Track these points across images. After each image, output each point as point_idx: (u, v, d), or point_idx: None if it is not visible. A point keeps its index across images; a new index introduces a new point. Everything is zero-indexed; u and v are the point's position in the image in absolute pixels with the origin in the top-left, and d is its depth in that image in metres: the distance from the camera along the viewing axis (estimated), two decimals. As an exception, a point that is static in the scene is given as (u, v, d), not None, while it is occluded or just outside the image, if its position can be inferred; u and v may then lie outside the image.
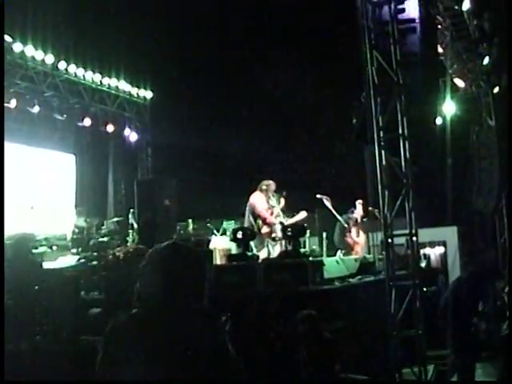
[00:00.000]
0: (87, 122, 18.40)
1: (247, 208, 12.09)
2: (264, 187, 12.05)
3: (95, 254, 12.88)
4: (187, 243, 10.61)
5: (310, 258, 10.20)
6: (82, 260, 12.09)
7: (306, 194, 14.49)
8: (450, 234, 19.51)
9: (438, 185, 19.76)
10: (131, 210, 14.55)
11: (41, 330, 9.67)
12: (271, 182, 12.15)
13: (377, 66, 8.71)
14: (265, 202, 12.06)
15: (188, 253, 3.10)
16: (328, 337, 7.64)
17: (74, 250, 14.17)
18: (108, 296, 10.58)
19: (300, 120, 19.16)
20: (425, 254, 18.28)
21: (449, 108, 18.96)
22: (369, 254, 14.11)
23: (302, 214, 12.46)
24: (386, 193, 8.58)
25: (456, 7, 15.82)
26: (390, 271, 8.64)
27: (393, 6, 8.97)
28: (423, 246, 19.17)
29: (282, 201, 12.50)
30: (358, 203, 14.43)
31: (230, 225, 13.71)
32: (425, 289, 13.83)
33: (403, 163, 8.51)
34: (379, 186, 8.55)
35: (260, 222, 11.90)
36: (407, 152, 8.51)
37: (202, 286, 3.01)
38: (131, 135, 20.21)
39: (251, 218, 11.92)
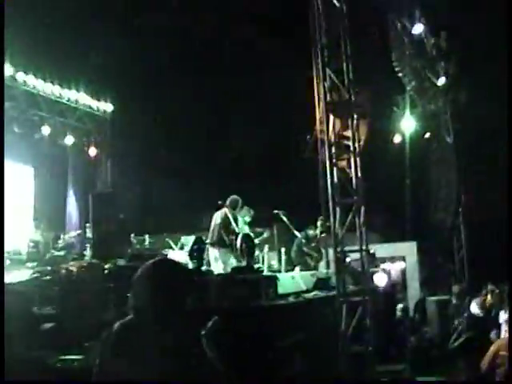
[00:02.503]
0: (46, 134, 18.21)
1: (218, 223, 12.03)
2: (233, 203, 12.06)
3: (50, 268, 12.71)
4: (141, 257, 10.62)
5: (264, 273, 10.22)
6: (36, 274, 11.93)
7: (264, 209, 14.51)
8: (410, 249, 19.73)
9: (398, 201, 20.00)
10: (87, 224, 14.42)
11: (-9, 348, 9.50)
12: (239, 198, 12.17)
13: (330, 83, 8.77)
14: (231, 217, 12.05)
15: (174, 268, 3.40)
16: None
17: (29, 265, 13.96)
18: (61, 310, 10.49)
19: (257, 136, 19.21)
20: (384, 269, 18.42)
21: (408, 124, 19.20)
22: (327, 269, 14.15)
23: (265, 234, 12.62)
24: (338, 209, 8.63)
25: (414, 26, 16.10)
26: (340, 287, 8.68)
27: (346, 22, 9.08)
28: (383, 261, 19.41)
29: (247, 217, 12.61)
30: (320, 219, 14.47)
31: (187, 240, 13.61)
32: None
33: (354, 179, 8.57)
34: (330, 202, 8.60)
35: (233, 236, 11.83)
36: (358, 168, 8.57)
37: (184, 297, 3.30)
38: (91, 149, 20.03)
39: (223, 232, 11.86)
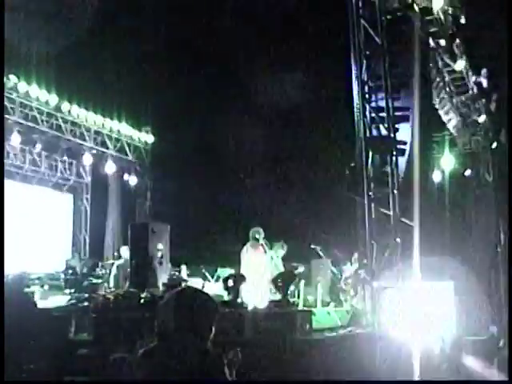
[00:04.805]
0: (87, 163, 18.57)
1: (247, 256, 12.03)
2: (257, 236, 12.04)
3: (87, 295, 12.82)
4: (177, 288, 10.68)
5: (299, 308, 10.18)
6: (73, 301, 12.05)
7: (301, 243, 14.49)
8: (447, 288, 19.48)
9: (435, 239, 19.79)
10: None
11: (27, 369, 9.60)
12: (260, 229, 12.15)
13: (369, 119, 8.81)
14: (263, 250, 12.06)
15: (198, 296, 3.40)
16: None
17: (67, 291, 14.11)
18: (96, 338, 10.56)
19: (295, 171, 19.22)
20: (420, 308, 18.21)
21: (447, 162, 19.06)
22: (363, 305, 14.02)
23: (300, 269, 12.60)
24: (375, 245, 8.60)
25: (454, 64, 15.99)
26: (376, 324, 8.62)
27: (387, 61, 9.15)
28: (420, 299, 19.16)
29: (281, 251, 12.58)
30: (355, 255, 14.38)
31: (224, 272, 13.65)
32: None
33: (392, 216, 8.55)
34: (367, 238, 8.58)
35: (262, 268, 11.83)
36: (396, 206, 8.55)
37: (208, 327, 3.29)
38: (131, 179, 20.27)
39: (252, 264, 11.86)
